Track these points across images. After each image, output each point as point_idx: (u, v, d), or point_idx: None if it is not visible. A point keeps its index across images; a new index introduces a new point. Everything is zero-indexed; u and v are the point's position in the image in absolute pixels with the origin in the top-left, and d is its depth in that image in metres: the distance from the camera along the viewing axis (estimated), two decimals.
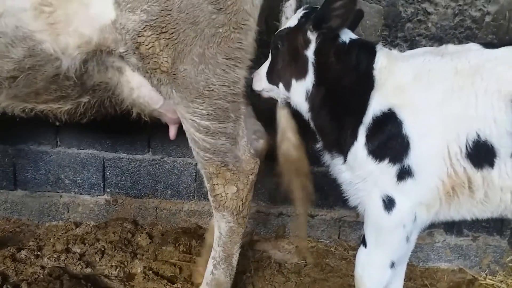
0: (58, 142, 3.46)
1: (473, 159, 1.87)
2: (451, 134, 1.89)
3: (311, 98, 2.17)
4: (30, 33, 2.10)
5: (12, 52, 2.14)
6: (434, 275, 3.04)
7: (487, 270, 3.08)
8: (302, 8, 2.23)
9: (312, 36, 2.12)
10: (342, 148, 2.12)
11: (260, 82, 2.32)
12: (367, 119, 2.01)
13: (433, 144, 1.92)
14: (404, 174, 1.95)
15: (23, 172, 3.48)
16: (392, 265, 2.08)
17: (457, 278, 3.02)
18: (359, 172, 2.05)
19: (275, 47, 2.25)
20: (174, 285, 2.76)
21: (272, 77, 2.28)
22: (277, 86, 2.27)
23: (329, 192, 3.38)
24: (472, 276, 3.03)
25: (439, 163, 1.92)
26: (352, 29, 2.24)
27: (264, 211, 3.44)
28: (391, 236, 2.03)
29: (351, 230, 3.36)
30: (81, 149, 3.46)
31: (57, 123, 2.58)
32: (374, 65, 2.07)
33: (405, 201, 1.98)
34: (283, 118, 2.40)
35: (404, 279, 2.84)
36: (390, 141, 1.96)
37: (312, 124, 2.25)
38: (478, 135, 1.85)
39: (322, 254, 3.23)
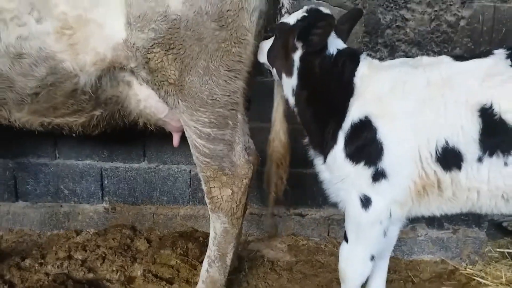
0: (57, 154, 3.60)
1: (442, 162, 2.04)
2: (422, 140, 2.05)
3: (298, 97, 2.35)
4: (53, 53, 2.33)
5: (36, 71, 2.37)
6: (417, 267, 3.20)
7: (467, 261, 3.24)
8: (305, 8, 2.33)
9: (298, 44, 2.28)
10: (323, 149, 2.29)
11: (263, 56, 2.50)
12: (346, 125, 2.18)
13: (405, 150, 2.08)
14: (378, 176, 2.12)
15: (24, 184, 3.62)
16: (372, 258, 2.27)
17: (439, 269, 3.18)
18: (338, 173, 2.23)
19: (276, 33, 2.41)
20: (172, 286, 2.90)
21: (270, 58, 2.46)
22: (272, 68, 2.47)
23: (318, 193, 3.52)
24: (453, 266, 3.19)
25: (411, 166, 2.08)
26: (352, 25, 2.45)
27: (257, 213, 3.60)
28: (369, 232, 2.21)
29: (339, 228, 3.52)
30: (79, 160, 3.60)
31: (65, 134, 2.78)
32: (356, 73, 2.23)
33: (380, 200, 2.15)
34: (278, 120, 2.66)
35: (389, 272, 3.04)
36: (365, 146, 2.13)
37: (298, 119, 2.44)
38: (447, 142, 2.01)
39: (312, 251, 3.38)
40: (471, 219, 3.28)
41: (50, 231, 3.62)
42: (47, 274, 3.00)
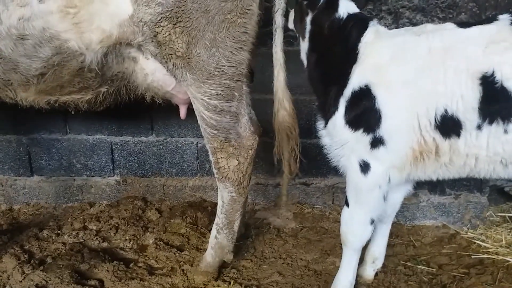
0: (68, 130, 3.71)
1: (441, 130, 2.08)
2: (421, 108, 2.09)
3: (308, 58, 2.45)
4: (57, 33, 2.33)
5: (40, 52, 2.38)
6: (419, 232, 3.28)
7: (468, 225, 3.30)
8: None
9: (307, 6, 2.37)
10: (325, 114, 2.36)
11: (290, 22, 2.61)
12: (347, 92, 2.23)
13: (403, 118, 2.13)
14: (377, 142, 2.19)
15: (37, 159, 3.75)
16: (372, 222, 2.36)
17: (441, 233, 3.26)
18: (337, 139, 2.30)
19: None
20: (183, 253, 3.03)
21: (295, 24, 2.58)
22: (297, 34, 2.58)
23: (322, 162, 3.59)
24: (455, 231, 3.27)
25: (409, 134, 2.14)
26: None
27: (263, 183, 3.70)
28: (368, 196, 2.29)
29: (344, 196, 3.52)
30: (89, 135, 3.70)
31: (72, 112, 2.84)
32: (361, 39, 2.26)
33: (379, 165, 2.23)
34: (280, 89, 2.65)
35: (392, 236, 3.16)
36: (364, 114, 2.19)
37: (309, 81, 2.53)
38: (446, 110, 2.04)
39: (317, 219, 3.49)
40: (473, 184, 3.33)
41: (65, 203, 3.77)
42: (64, 243, 3.15)
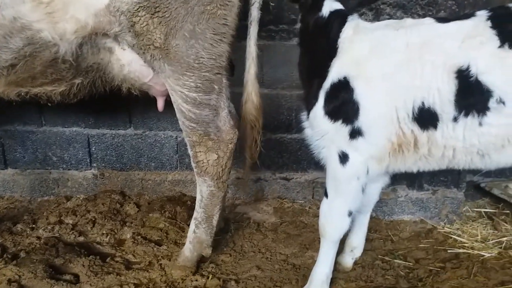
0: (43, 122, 3.62)
1: (419, 122, 2.13)
2: (399, 101, 2.13)
3: (299, 55, 2.50)
4: (29, 23, 2.24)
5: (11, 43, 2.28)
6: (397, 227, 3.32)
7: (445, 220, 3.35)
8: None
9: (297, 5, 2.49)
10: (307, 105, 2.40)
11: None
12: (327, 84, 2.27)
13: (381, 110, 2.17)
14: (355, 133, 2.22)
15: (12, 152, 3.66)
16: (350, 213, 2.38)
17: (418, 228, 3.30)
18: (318, 129, 2.34)
19: None
20: (161, 247, 2.99)
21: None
22: None
23: (302, 157, 3.62)
24: (432, 225, 3.31)
25: (388, 126, 2.17)
26: None
27: (244, 177, 3.67)
28: (347, 187, 2.31)
29: (323, 190, 3.61)
30: (65, 127, 3.63)
31: (49, 104, 2.74)
32: (340, 35, 2.31)
33: (357, 156, 2.26)
34: (249, 82, 2.66)
35: (370, 231, 3.19)
36: (343, 105, 2.22)
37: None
38: (423, 103, 2.09)
39: (297, 213, 3.49)
40: (450, 180, 3.38)
41: (40, 197, 3.69)
42: (38, 237, 3.07)
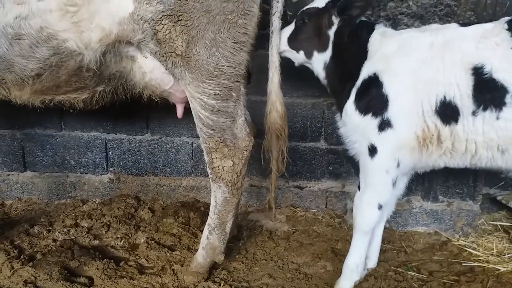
0: (63, 126, 3.70)
1: (441, 116, 2.29)
2: (423, 95, 2.30)
3: (328, 68, 2.65)
4: (55, 32, 2.29)
5: (37, 52, 2.33)
6: (411, 238, 3.28)
7: (460, 232, 3.30)
8: None
9: (335, 20, 2.58)
10: (340, 106, 2.58)
11: (283, 44, 2.71)
12: (358, 82, 2.47)
13: (408, 102, 2.33)
14: (384, 125, 2.38)
15: (31, 155, 3.73)
16: (380, 207, 2.50)
17: (432, 240, 3.26)
18: (349, 125, 2.51)
19: (301, 20, 2.66)
20: (174, 253, 3.02)
21: (294, 44, 2.70)
22: (297, 52, 2.71)
23: (316, 166, 3.63)
24: (446, 238, 3.27)
25: (414, 118, 2.33)
26: None
27: (257, 185, 3.70)
28: (376, 179, 2.46)
29: (337, 200, 3.62)
30: (84, 132, 3.69)
31: (70, 111, 2.81)
32: (370, 40, 2.53)
33: (386, 148, 2.40)
34: (273, 91, 2.70)
35: (384, 242, 3.18)
36: (373, 99, 2.39)
37: (328, 90, 2.74)
38: (445, 97, 2.27)
39: (310, 222, 3.48)
40: (466, 192, 3.34)
41: (57, 200, 3.76)
42: (54, 240, 3.13)
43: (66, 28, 2.29)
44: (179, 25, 2.37)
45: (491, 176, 3.55)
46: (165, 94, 2.76)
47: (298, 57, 2.74)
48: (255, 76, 2.92)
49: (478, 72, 2.21)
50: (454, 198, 3.36)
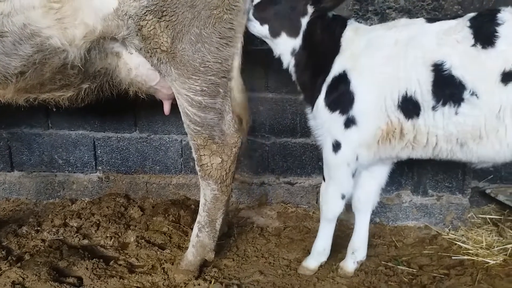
0: (50, 125, 3.65)
1: (404, 110, 2.36)
2: (387, 91, 2.37)
3: (297, 57, 2.63)
4: (38, 30, 2.25)
5: (20, 50, 2.29)
6: (401, 232, 3.29)
7: (450, 226, 3.32)
8: None
9: (310, 9, 2.55)
10: (312, 100, 2.61)
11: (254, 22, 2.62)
12: (329, 78, 2.52)
13: (372, 99, 2.40)
14: (349, 123, 2.46)
15: (18, 154, 3.69)
16: (343, 197, 2.65)
17: (423, 234, 3.28)
18: (319, 120, 2.58)
19: None
20: (164, 251, 3.00)
21: (260, 14, 2.59)
22: (261, 24, 2.61)
23: (306, 162, 3.62)
24: (436, 232, 3.28)
25: (378, 114, 2.40)
26: None
27: (248, 182, 3.68)
28: (338, 172, 2.59)
29: None
30: (71, 130, 3.65)
31: (54, 109, 2.78)
32: (342, 35, 2.56)
33: (348, 144, 2.50)
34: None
35: (374, 237, 3.21)
36: (341, 96, 2.46)
37: (293, 78, 2.72)
38: (406, 92, 2.34)
39: (301, 218, 3.48)
40: (455, 186, 3.36)
41: (46, 200, 3.72)
42: (43, 240, 3.10)
43: (49, 25, 2.25)
44: (164, 20, 2.34)
45: (480, 169, 3.58)
46: (152, 90, 2.73)
47: (260, 30, 2.61)
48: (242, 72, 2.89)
49: (438, 68, 2.26)
50: (443, 192, 3.38)
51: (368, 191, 2.79)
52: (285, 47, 2.63)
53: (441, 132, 2.34)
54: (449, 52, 2.25)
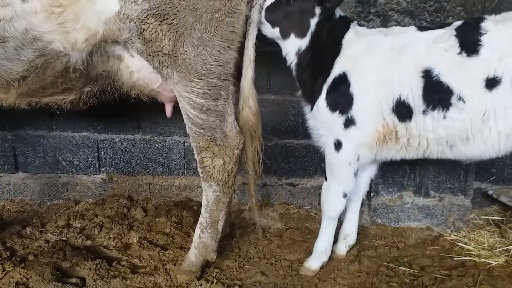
0: (54, 127, 3.68)
1: (398, 114, 2.49)
2: (383, 94, 2.49)
3: (301, 56, 2.67)
4: (40, 34, 2.26)
5: (22, 54, 2.30)
6: (403, 233, 3.28)
7: (452, 227, 3.32)
8: None
9: (317, 10, 2.60)
10: (312, 100, 2.68)
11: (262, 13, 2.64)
12: (330, 79, 2.60)
13: (370, 101, 2.51)
14: (349, 123, 2.55)
15: (23, 156, 3.72)
16: (345, 195, 2.73)
17: (425, 235, 3.27)
18: (319, 120, 2.65)
19: None
20: (166, 252, 3.02)
21: (272, 17, 2.62)
22: (272, 27, 2.64)
23: (308, 163, 3.64)
24: (438, 233, 3.28)
25: (376, 115, 2.51)
26: None
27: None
28: (340, 171, 2.67)
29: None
30: (75, 132, 3.68)
31: (58, 112, 2.78)
32: (344, 37, 2.63)
33: (349, 144, 2.59)
34: (246, 87, 2.61)
35: (376, 238, 3.22)
36: (341, 96, 2.55)
37: (294, 74, 2.75)
38: (400, 97, 2.46)
39: (303, 219, 3.49)
40: (457, 187, 3.35)
41: (50, 201, 3.75)
42: (46, 241, 3.12)
43: (51, 29, 2.27)
44: (165, 23, 2.36)
45: (482, 170, 3.58)
46: (154, 93, 2.75)
47: (272, 32, 2.65)
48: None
49: (427, 75, 2.40)
50: (445, 193, 3.37)
51: (360, 181, 2.92)
52: (292, 47, 2.68)
53: (431, 135, 2.48)
54: (438, 59, 2.40)
